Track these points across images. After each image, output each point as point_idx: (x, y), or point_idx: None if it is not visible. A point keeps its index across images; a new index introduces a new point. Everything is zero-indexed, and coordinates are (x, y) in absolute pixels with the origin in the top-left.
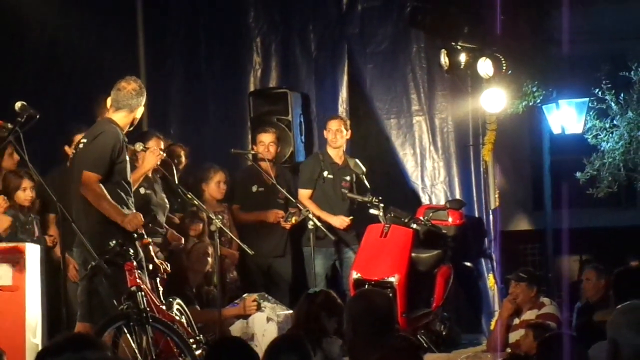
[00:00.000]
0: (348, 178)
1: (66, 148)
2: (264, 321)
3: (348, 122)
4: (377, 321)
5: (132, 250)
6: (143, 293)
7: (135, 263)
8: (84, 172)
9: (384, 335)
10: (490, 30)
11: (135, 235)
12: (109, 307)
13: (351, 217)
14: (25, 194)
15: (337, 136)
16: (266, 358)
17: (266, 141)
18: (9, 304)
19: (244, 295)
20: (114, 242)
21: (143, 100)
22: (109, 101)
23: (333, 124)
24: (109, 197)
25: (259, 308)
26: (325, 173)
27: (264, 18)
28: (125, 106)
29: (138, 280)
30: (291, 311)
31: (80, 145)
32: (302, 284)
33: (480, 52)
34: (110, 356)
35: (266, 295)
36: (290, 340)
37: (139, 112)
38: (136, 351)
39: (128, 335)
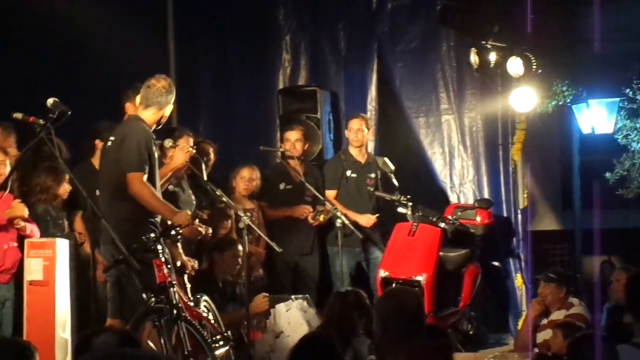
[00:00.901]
0: (373, 175)
1: (97, 142)
2: (283, 311)
3: (369, 121)
4: (406, 320)
5: (160, 247)
6: (175, 289)
7: (163, 259)
8: (129, 175)
9: (414, 334)
10: (521, 29)
11: (173, 232)
12: (138, 302)
13: (377, 215)
14: (68, 187)
15: (358, 135)
16: (292, 354)
17: (292, 138)
18: (40, 299)
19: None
20: (148, 236)
21: (172, 98)
22: (138, 98)
23: (354, 123)
24: (158, 194)
25: (271, 304)
26: (348, 172)
27: (293, 16)
28: (154, 103)
29: (168, 277)
30: (305, 296)
31: (109, 143)
32: (329, 283)
33: (510, 51)
34: (149, 351)
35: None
36: (320, 340)
37: (168, 110)
38: (163, 346)
39: (156, 331)
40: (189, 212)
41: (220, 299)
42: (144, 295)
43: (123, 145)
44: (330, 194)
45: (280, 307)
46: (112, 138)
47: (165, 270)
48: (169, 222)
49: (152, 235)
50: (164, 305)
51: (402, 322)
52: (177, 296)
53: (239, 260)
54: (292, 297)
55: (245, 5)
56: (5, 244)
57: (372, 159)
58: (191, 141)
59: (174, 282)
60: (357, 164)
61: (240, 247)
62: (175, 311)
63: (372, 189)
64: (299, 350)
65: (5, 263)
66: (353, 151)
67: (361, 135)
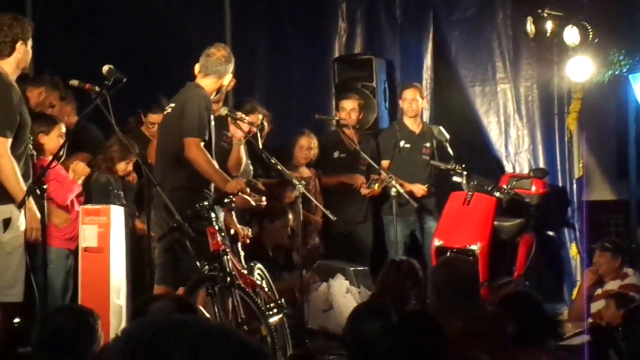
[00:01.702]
0: (428, 144)
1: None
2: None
3: (423, 90)
4: (461, 289)
5: (214, 215)
6: (229, 257)
7: (217, 227)
8: (186, 139)
9: (468, 302)
10: None
11: (227, 200)
12: (191, 269)
13: (427, 185)
14: (127, 168)
15: (412, 105)
16: (350, 323)
17: (348, 107)
18: (94, 266)
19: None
20: (202, 204)
21: (231, 67)
22: (197, 67)
23: (408, 93)
24: (214, 162)
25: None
26: (402, 143)
27: None
28: (214, 72)
29: (221, 245)
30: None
31: (169, 110)
32: (383, 251)
33: (567, 20)
34: (202, 317)
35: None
36: (375, 307)
37: (227, 79)
38: (216, 315)
39: (209, 298)
40: (242, 180)
41: (270, 267)
42: (198, 263)
43: (184, 112)
44: (384, 163)
45: (337, 282)
46: (172, 105)
47: (219, 238)
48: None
49: (206, 203)
50: (217, 273)
51: (457, 290)
52: (230, 264)
53: (289, 229)
54: (351, 269)
55: None
56: (75, 211)
57: (427, 128)
58: (260, 117)
59: (227, 250)
60: (411, 134)
61: (290, 217)
62: (228, 279)
63: (427, 158)
64: (358, 316)
65: (75, 229)
66: (407, 121)
67: (415, 105)
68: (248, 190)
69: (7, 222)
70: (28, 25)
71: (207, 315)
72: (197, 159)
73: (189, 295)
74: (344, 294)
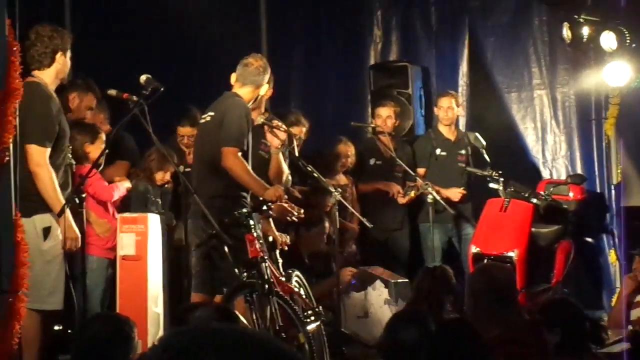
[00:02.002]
0: (463, 152)
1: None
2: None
3: (459, 97)
4: (498, 296)
5: (252, 222)
6: (267, 264)
7: (256, 234)
8: (224, 149)
9: (505, 309)
10: (614, 2)
11: (265, 207)
12: (229, 277)
13: (463, 188)
14: (165, 177)
15: (448, 113)
16: (387, 331)
17: (384, 115)
18: (132, 274)
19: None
20: (240, 211)
21: (267, 77)
22: (233, 76)
23: (444, 101)
24: (251, 171)
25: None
26: (438, 151)
27: None
28: (252, 82)
29: (260, 252)
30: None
31: (208, 119)
32: (419, 258)
33: (603, 25)
34: (243, 326)
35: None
36: (412, 315)
37: (264, 89)
38: (254, 322)
39: (248, 306)
40: (281, 188)
41: (306, 274)
42: (236, 270)
43: (224, 121)
44: (420, 171)
45: (373, 289)
46: (211, 113)
47: (258, 245)
48: (261, 198)
49: (245, 210)
50: (255, 280)
51: (494, 297)
52: (269, 271)
53: (325, 237)
54: (392, 281)
55: None
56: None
57: (462, 135)
58: (304, 130)
59: (266, 257)
60: (447, 142)
61: (326, 224)
62: (267, 286)
63: (463, 165)
64: (395, 324)
65: (115, 239)
66: (443, 129)
67: (451, 113)
68: (286, 197)
69: (46, 231)
70: (67, 36)
71: (246, 323)
72: (235, 168)
73: (226, 302)
74: (382, 305)
